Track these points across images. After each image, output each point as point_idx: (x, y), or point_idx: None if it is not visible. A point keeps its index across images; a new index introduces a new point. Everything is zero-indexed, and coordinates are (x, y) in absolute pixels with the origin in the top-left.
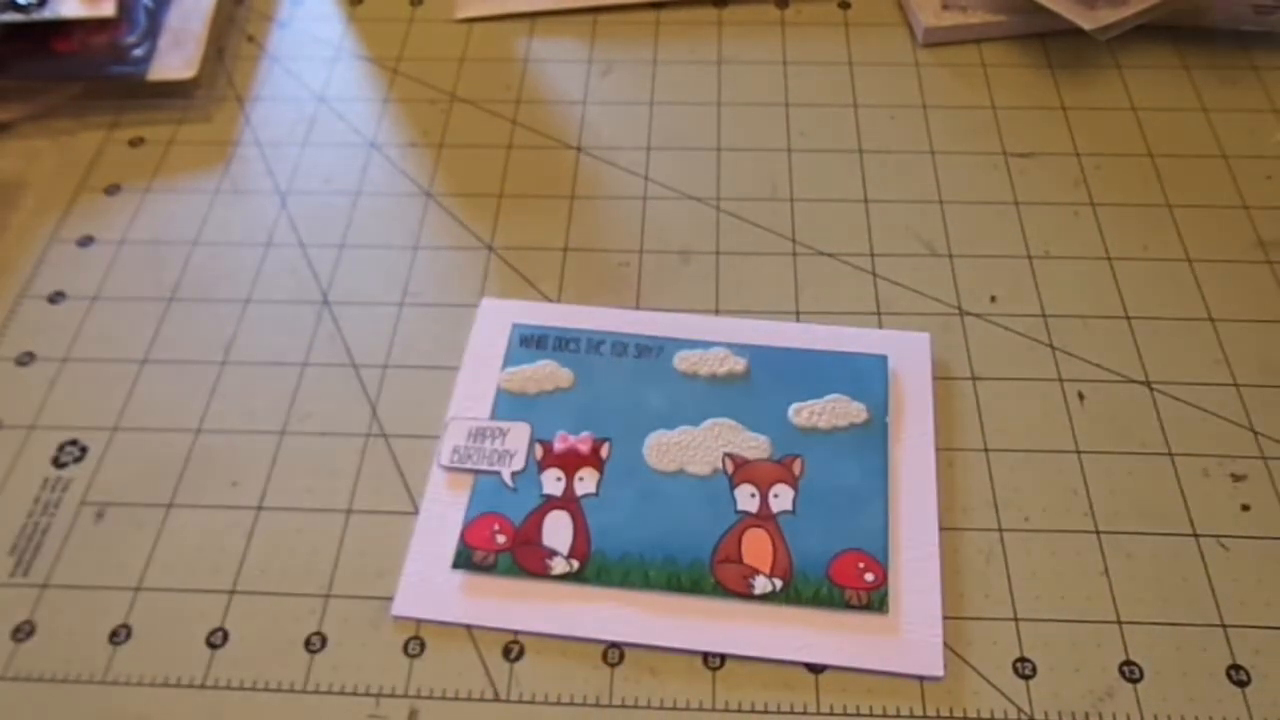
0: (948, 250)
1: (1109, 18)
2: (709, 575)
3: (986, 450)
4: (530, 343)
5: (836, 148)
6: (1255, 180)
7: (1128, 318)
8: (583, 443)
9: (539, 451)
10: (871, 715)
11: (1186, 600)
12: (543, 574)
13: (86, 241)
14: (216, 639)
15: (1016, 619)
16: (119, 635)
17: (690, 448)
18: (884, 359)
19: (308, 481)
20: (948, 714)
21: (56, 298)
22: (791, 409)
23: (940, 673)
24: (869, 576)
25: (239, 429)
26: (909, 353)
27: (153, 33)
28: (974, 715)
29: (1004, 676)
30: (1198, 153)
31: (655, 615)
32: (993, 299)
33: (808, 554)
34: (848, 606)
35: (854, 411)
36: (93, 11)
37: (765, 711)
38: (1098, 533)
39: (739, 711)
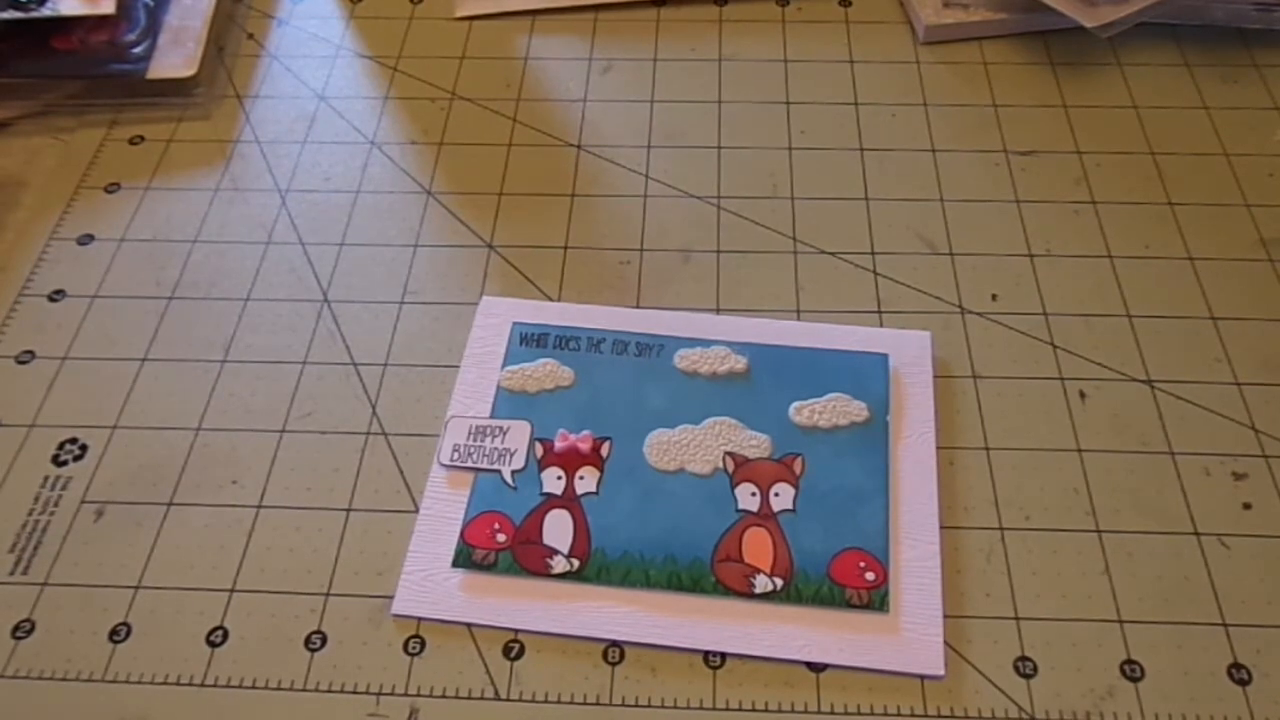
0: (949, 248)
1: (1110, 15)
2: (709, 574)
3: (987, 449)
4: (530, 341)
5: (837, 146)
6: (1257, 178)
7: (1129, 316)
8: (583, 441)
9: (539, 450)
10: (872, 714)
11: (1188, 599)
12: (543, 573)
13: (86, 240)
14: (216, 637)
15: (1017, 618)
16: (119, 633)
17: (691, 446)
18: (885, 357)
19: (308, 480)
20: (949, 713)
21: (56, 296)
22: (792, 408)
23: (941, 672)
24: (870, 575)
25: (239, 427)
26: (910, 351)
27: (152, 31)
28: (975, 714)
29: (1005, 675)
30: (1199, 150)
31: (656, 614)
32: (994, 297)
33: (808, 553)
34: (848, 605)
35: (855, 410)
36: (92, 9)
37: (766, 710)
38: (1099, 532)
39: (739, 710)
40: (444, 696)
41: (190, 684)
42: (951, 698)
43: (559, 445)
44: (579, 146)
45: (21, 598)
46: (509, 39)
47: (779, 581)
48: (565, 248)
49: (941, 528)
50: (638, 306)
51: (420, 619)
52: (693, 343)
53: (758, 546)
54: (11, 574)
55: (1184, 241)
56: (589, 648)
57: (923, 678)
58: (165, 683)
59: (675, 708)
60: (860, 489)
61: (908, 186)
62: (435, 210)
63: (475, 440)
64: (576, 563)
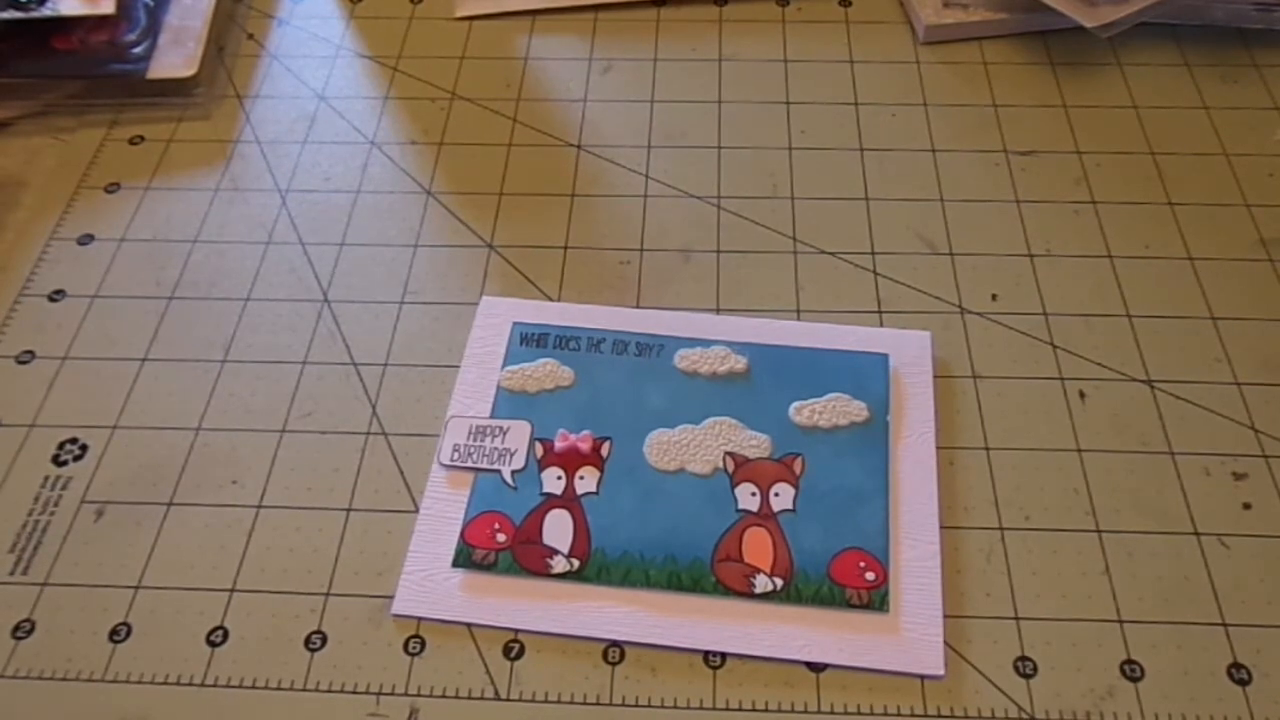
0: (949, 248)
1: (1110, 15)
2: (710, 574)
3: (987, 449)
4: (530, 341)
5: (837, 146)
6: (1257, 178)
7: (1129, 316)
8: (583, 441)
9: (539, 450)
10: (872, 714)
11: (1187, 599)
12: (543, 573)
13: (86, 240)
14: (216, 637)
15: (1017, 618)
16: (119, 633)
17: (691, 446)
18: (885, 357)
19: (308, 480)
20: (948, 713)
21: (56, 296)
22: (792, 407)
23: (941, 671)
24: (870, 575)
25: (239, 427)
26: (910, 351)
27: (152, 31)
28: (975, 714)
29: (1005, 675)
30: (1199, 150)
31: (656, 614)
32: (994, 297)
33: (808, 553)
34: (848, 605)
35: (855, 410)
36: (92, 9)
37: (766, 710)
38: (1099, 532)
39: (739, 710)
40: (444, 696)
41: (190, 684)
42: (951, 698)
43: (559, 445)
44: (579, 146)
45: (21, 598)
46: (509, 39)
47: (779, 581)
48: (565, 248)
49: (941, 528)
50: (638, 306)
51: (420, 619)
52: (693, 343)
53: (758, 546)
54: (11, 574)
55: (1184, 241)
56: (589, 648)
57: (923, 678)
58: (165, 683)
59: (675, 708)
60: (860, 489)
61: (908, 186)
62: (435, 210)
63: (475, 440)
64: (576, 563)
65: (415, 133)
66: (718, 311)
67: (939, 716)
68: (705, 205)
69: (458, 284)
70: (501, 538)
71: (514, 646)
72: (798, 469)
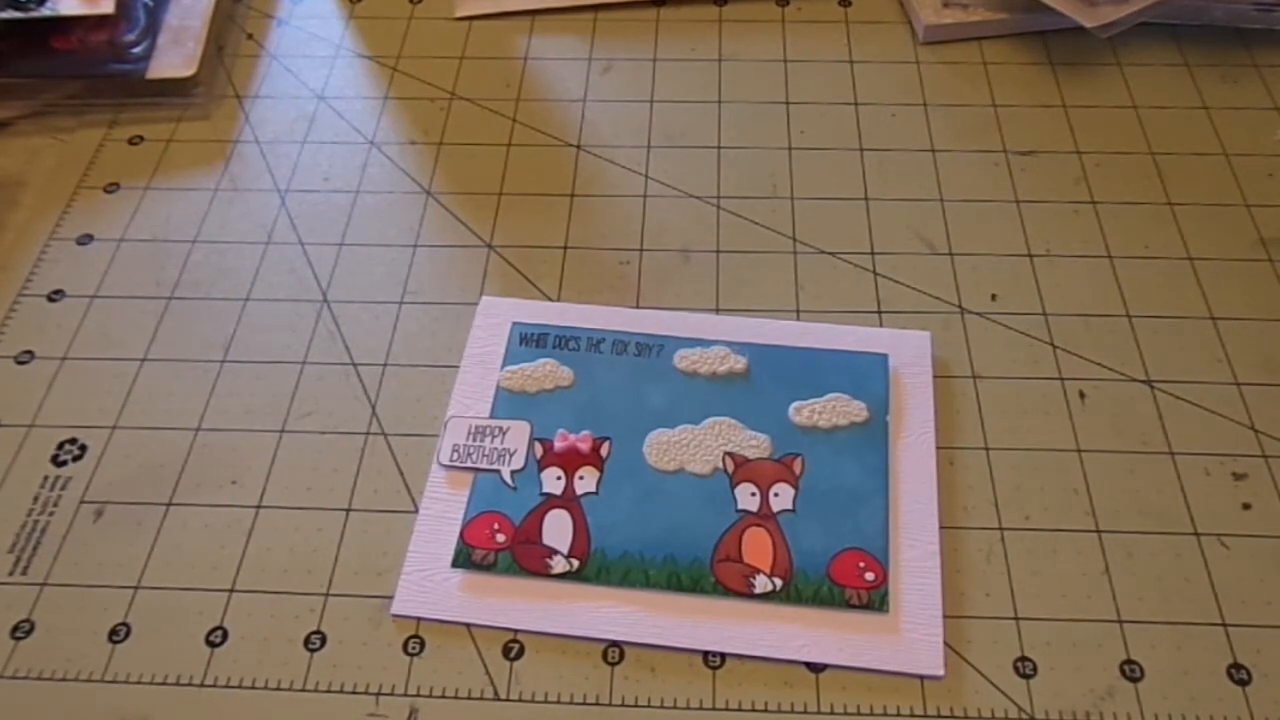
0: (948, 248)
1: (1110, 15)
2: (709, 574)
3: (987, 449)
4: (530, 341)
5: (837, 146)
6: (1256, 178)
7: (1129, 316)
8: (583, 441)
9: (539, 450)
10: (872, 714)
11: (1187, 599)
12: (543, 573)
13: (86, 240)
14: (216, 637)
15: (1017, 618)
16: (118, 634)
17: (690, 446)
18: (884, 357)
19: (307, 480)
20: (948, 713)
21: (56, 296)
22: (792, 408)
23: (941, 672)
24: (869, 575)
25: (238, 428)
26: (909, 351)
27: (152, 30)
28: (974, 714)
29: (1004, 676)
30: (1199, 150)
31: (655, 614)
32: (993, 297)
33: (808, 553)
34: (848, 605)
35: (854, 410)
36: (92, 9)
37: (765, 710)
38: (1098, 532)
39: (739, 710)
40: (444, 696)
41: (190, 684)
42: (951, 698)
43: (559, 445)
44: (579, 146)
45: (21, 598)
46: (509, 39)
47: (778, 581)
48: (565, 248)
49: (941, 528)
50: (637, 306)
51: (420, 619)
52: (693, 343)
53: (757, 546)
54: (11, 574)
55: (1184, 241)
56: (589, 648)
57: (922, 678)
58: (165, 683)
59: (675, 708)
60: (860, 489)
61: (908, 186)
62: (435, 210)
63: (475, 440)
64: (576, 563)
65: (415, 133)
66: (717, 311)
67: (939, 716)
68: (705, 205)
69: (457, 284)
70: (501, 538)
71: (513, 647)
72: (797, 469)
